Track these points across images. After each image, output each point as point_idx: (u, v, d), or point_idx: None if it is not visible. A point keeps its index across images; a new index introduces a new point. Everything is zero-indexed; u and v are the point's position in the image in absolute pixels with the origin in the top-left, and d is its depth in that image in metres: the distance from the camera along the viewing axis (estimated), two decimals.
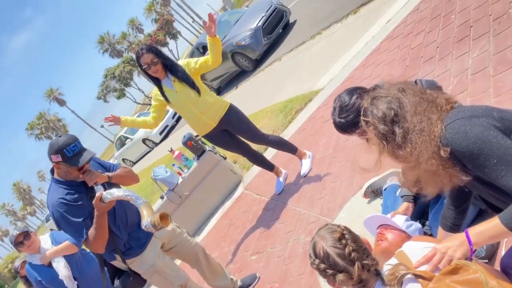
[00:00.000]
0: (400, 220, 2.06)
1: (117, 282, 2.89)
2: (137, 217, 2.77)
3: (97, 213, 2.42)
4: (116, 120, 3.81)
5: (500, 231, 1.24)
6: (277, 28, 10.53)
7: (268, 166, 4.20)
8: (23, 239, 3.68)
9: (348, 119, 2.11)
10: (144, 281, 2.89)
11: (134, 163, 19.24)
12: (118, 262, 2.81)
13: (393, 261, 1.41)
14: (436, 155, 1.31)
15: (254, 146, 4.27)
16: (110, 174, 2.67)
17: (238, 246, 4.04)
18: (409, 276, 1.30)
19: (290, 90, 6.33)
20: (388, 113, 1.38)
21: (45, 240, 3.79)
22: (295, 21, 10.67)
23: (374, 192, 2.78)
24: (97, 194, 2.38)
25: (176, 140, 12.41)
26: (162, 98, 3.69)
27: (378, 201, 2.70)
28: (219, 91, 12.84)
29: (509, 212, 1.23)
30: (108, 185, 2.66)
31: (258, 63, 10.68)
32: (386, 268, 1.41)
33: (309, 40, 7.99)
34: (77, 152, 2.44)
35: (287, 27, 10.81)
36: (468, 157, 1.28)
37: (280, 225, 3.64)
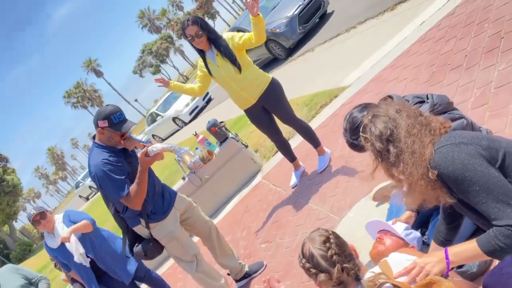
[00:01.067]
0: (400, 227, 2.12)
1: (136, 247, 3.09)
2: (161, 189, 3.08)
3: (140, 168, 2.70)
4: (165, 83, 3.89)
5: (476, 253, 1.31)
6: (313, 17, 10.46)
7: (291, 156, 4.24)
8: (39, 218, 3.91)
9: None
10: (162, 248, 3.11)
11: (163, 139, 19.69)
12: (140, 228, 3.04)
13: (376, 269, 1.50)
14: (425, 176, 1.38)
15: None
16: (145, 144, 2.95)
17: (250, 233, 4.19)
18: (387, 285, 1.38)
19: (318, 83, 6.35)
20: (384, 132, 1.45)
21: (59, 221, 3.98)
22: (332, 12, 10.57)
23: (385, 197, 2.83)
24: (143, 149, 2.68)
25: (204, 121, 12.66)
26: (206, 70, 3.77)
27: (386, 206, 2.76)
28: None
29: (485, 237, 1.30)
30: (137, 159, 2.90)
31: (291, 51, 10.67)
32: (368, 275, 1.50)
33: (343, 33, 7.93)
34: (122, 120, 2.77)
35: (324, 17, 10.72)
36: (453, 181, 1.34)
37: (291, 217, 3.75)
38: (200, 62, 3.81)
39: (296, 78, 7.99)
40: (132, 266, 3.76)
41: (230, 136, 5.26)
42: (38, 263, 18.42)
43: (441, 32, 4.21)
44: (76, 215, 4.05)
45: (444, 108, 1.92)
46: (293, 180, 4.22)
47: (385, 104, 1.55)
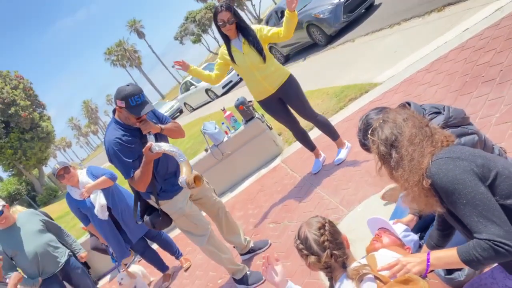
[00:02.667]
0: (400, 228, 2.21)
1: (146, 218, 3.23)
2: (176, 167, 3.14)
3: (145, 159, 2.78)
4: (185, 66, 3.91)
5: (455, 260, 1.40)
6: (359, 8, 10.29)
7: (310, 145, 4.31)
8: (63, 173, 4.19)
9: None
10: (170, 221, 3.23)
11: (194, 109, 20.02)
12: (152, 201, 3.19)
13: (363, 261, 1.61)
14: (420, 183, 1.47)
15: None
16: (162, 126, 3.02)
17: (261, 211, 4.34)
18: (370, 276, 1.50)
19: (351, 75, 6.35)
20: (389, 137, 1.54)
21: (82, 175, 4.26)
22: (380, 4, 10.36)
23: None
24: (147, 144, 2.73)
25: (236, 97, 12.80)
26: (227, 58, 3.86)
27: (393, 206, 2.84)
28: (288, 58, 12.89)
29: (466, 247, 1.39)
30: (159, 136, 3.00)
31: (331, 39, 10.58)
32: (355, 264, 1.61)
33: (386, 28, 7.82)
34: (140, 103, 2.75)
35: (370, 9, 10.53)
36: (444, 192, 1.43)
37: (302, 203, 3.87)
38: (223, 49, 3.90)
39: (331, 67, 7.98)
40: (144, 226, 3.95)
41: (256, 116, 5.38)
42: (62, 208, 19.30)
43: (482, 42, 4.15)
44: (98, 170, 4.34)
45: (458, 121, 1.97)
46: (315, 167, 4.26)
47: (395, 112, 1.63)
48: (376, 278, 1.48)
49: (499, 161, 1.45)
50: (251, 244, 3.66)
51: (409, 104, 2.07)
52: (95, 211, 4.18)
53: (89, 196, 4.21)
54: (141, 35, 75.93)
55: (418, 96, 4.14)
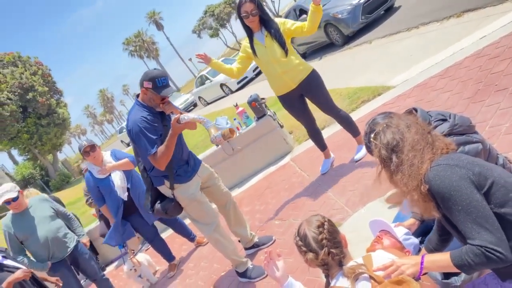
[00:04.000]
0: (401, 231, 2.25)
1: (158, 205, 3.33)
2: (187, 157, 3.31)
3: (171, 132, 2.92)
4: (206, 59, 3.93)
5: (448, 264, 1.45)
6: (378, 9, 10.25)
7: (322, 145, 4.30)
8: (89, 150, 4.32)
9: None
10: (182, 208, 3.34)
11: (208, 103, 20.12)
12: (164, 188, 3.28)
13: (359, 260, 1.66)
14: (418, 188, 1.51)
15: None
16: (182, 111, 3.15)
17: (268, 208, 4.40)
18: (365, 275, 1.54)
19: (365, 77, 6.35)
20: (391, 142, 1.59)
21: (107, 156, 4.41)
22: (399, 7, 10.30)
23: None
24: (176, 116, 2.89)
25: (251, 92, 12.85)
26: (249, 51, 3.87)
27: (397, 209, 2.86)
28: (304, 57, 12.88)
29: (459, 251, 1.42)
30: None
31: (348, 39, 10.55)
32: (351, 263, 1.66)
33: (404, 31, 7.79)
34: (165, 84, 2.99)
35: (389, 11, 10.48)
36: (441, 198, 1.46)
37: (308, 202, 3.91)
38: (246, 42, 3.90)
39: (346, 68, 7.98)
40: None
41: (268, 113, 5.42)
42: (73, 195, 19.64)
43: (498, 51, 4.13)
44: (121, 153, 4.51)
45: (463, 130, 1.99)
46: (324, 167, 4.28)
47: (399, 117, 1.67)
48: (371, 277, 1.53)
49: (496, 170, 1.48)
50: (256, 239, 3.72)
51: (416, 110, 2.10)
52: (116, 187, 4.30)
53: (110, 175, 4.33)
54: (159, 27, 76.36)
55: (430, 102, 4.14)
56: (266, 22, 3.75)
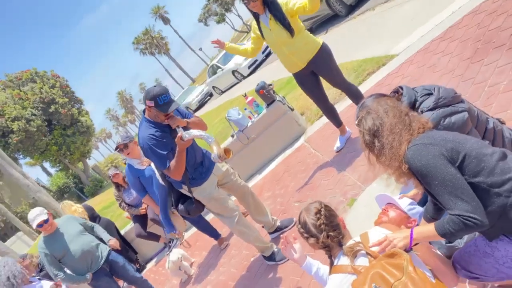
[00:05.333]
0: (405, 202, 2.37)
1: (181, 206, 3.55)
2: (201, 158, 3.46)
3: (178, 149, 3.08)
4: (221, 44, 4.10)
5: (433, 234, 1.58)
6: None
7: (337, 121, 4.35)
8: (123, 148, 4.66)
9: None
10: (203, 207, 3.54)
11: (223, 91, 20.24)
12: (184, 190, 3.48)
13: (357, 238, 1.81)
14: (400, 168, 1.64)
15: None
16: (188, 120, 3.29)
17: (287, 191, 4.57)
18: (362, 252, 1.70)
19: (369, 48, 6.33)
20: (372, 128, 1.71)
21: None
22: None
23: None
24: (178, 134, 3.03)
25: (263, 75, 12.92)
26: (259, 32, 3.96)
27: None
28: (311, 32, 12.80)
29: (441, 222, 1.55)
30: (184, 128, 3.26)
31: (352, 8, 10.43)
32: (350, 242, 1.81)
33: None
34: (167, 101, 3.07)
35: None
36: (420, 175, 1.59)
37: (324, 181, 4.06)
38: (254, 24, 3.97)
39: (350, 40, 7.95)
40: None
41: (277, 99, 5.53)
42: (108, 199, 20.33)
43: (495, 5, 4.10)
44: None
45: (448, 101, 2.07)
46: (338, 144, 4.34)
47: (377, 103, 1.78)
48: (368, 253, 1.68)
49: (468, 143, 1.59)
50: (278, 223, 3.91)
51: (402, 88, 2.19)
52: (158, 175, 4.58)
53: (149, 165, 4.58)
54: (166, 21, 76.41)
55: (432, 66, 4.18)
56: (269, 4, 3.76)
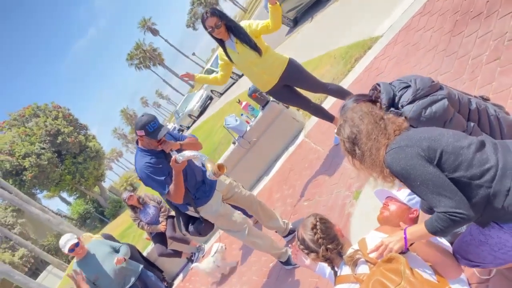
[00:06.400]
0: (403, 194, 2.39)
1: (191, 227, 3.61)
2: (202, 177, 3.48)
3: (174, 172, 3.11)
4: (190, 77, 4.23)
5: (424, 233, 1.61)
6: None
7: (328, 117, 4.40)
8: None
9: None
10: (212, 225, 3.60)
11: (221, 94, 20.29)
12: (191, 212, 3.54)
13: (355, 246, 1.84)
14: (382, 172, 1.67)
15: (313, 97, 4.46)
16: (181, 142, 3.34)
17: (295, 191, 4.60)
18: (362, 260, 1.73)
19: (353, 32, 6.31)
20: (350, 136, 1.74)
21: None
22: None
23: None
24: (172, 158, 3.06)
25: (249, 82, 12.87)
26: (226, 58, 4.04)
27: None
28: (296, 21, 12.75)
29: (430, 220, 1.58)
30: (178, 151, 3.32)
31: None
32: (349, 251, 1.84)
33: None
34: (156, 128, 3.15)
35: None
36: (401, 177, 1.62)
37: (328, 176, 4.09)
38: (220, 51, 4.05)
39: (335, 25, 7.92)
40: None
41: (271, 99, 5.56)
42: (127, 219, 20.49)
43: None
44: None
45: (426, 91, 2.08)
46: (335, 138, 4.38)
47: (352, 110, 1.81)
48: (367, 261, 1.71)
49: (443, 138, 1.60)
50: (290, 226, 3.94)
51: (379, 85, 2.20)
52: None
53: None
54: (154, 32, 76.45)
55: (416, 44, 4.16)
56: (233, 29, 3.85)
